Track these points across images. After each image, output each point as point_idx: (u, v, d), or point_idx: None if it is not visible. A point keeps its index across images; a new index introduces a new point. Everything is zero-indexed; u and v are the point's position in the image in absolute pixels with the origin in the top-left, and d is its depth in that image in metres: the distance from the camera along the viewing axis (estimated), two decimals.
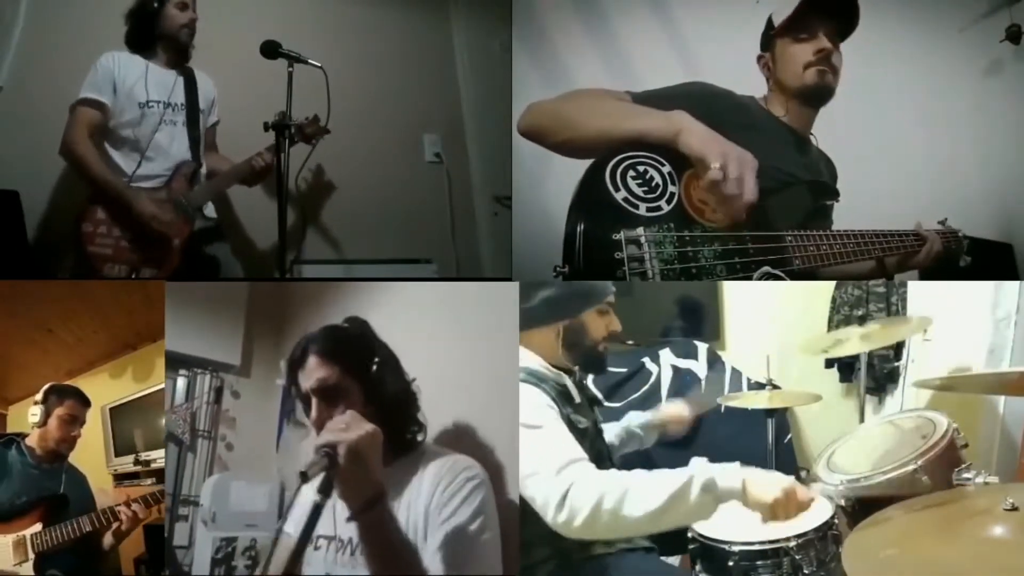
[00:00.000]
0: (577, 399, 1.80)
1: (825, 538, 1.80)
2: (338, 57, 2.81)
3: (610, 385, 2.93)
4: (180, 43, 2.59)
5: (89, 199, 2.50)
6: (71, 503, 2.27)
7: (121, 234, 2.49)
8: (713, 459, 1.62)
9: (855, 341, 2.46)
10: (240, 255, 2.90)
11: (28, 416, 2.36)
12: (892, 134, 2.53)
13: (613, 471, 1.62)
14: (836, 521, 1.84)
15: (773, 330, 3.05)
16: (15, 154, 2.60)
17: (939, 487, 1.74)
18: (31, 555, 2.18)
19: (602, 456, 1.83)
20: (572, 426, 1.71)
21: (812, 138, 2.29)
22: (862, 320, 2.63)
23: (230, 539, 2.24)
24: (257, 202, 2.90)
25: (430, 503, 1.58)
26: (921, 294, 2.75)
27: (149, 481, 2.73)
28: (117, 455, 2.92)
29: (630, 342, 3.05)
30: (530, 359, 1.78)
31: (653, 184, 1.99)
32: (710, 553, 1.82)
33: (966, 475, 1.72)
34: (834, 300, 3.00)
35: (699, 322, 3.17)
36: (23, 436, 2.34)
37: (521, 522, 1.68)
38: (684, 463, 1.97)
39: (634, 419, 2.15)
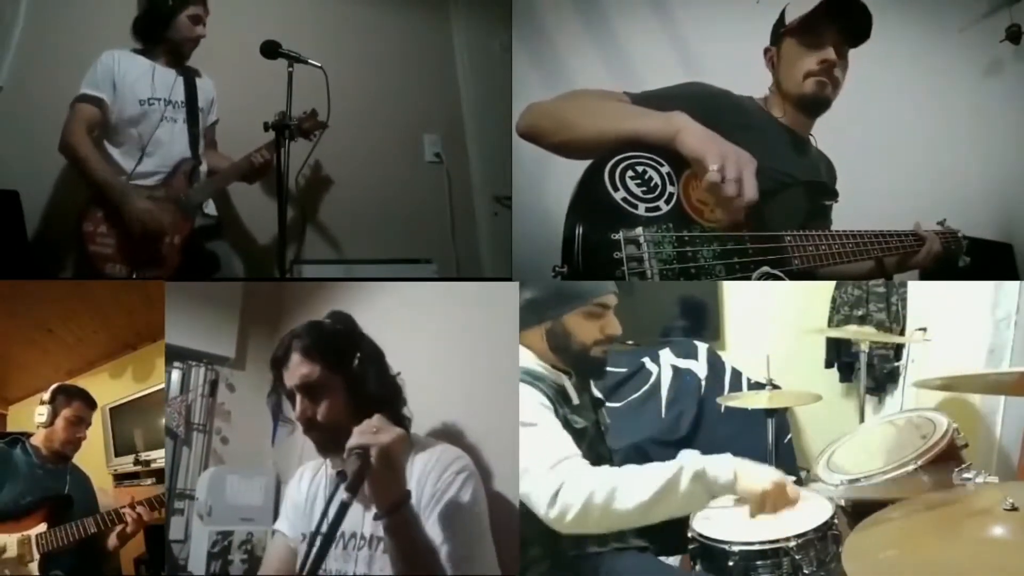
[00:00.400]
0: (575, 400, 1.78)
1: (825, 538, 1.80)
2: (338, 57, 2.82)
3: (610, 385, 2.94)
4: (183, 50, 2.60)
5: (90, 199, 2.50)
6: (75, 504, 2.27)
7: (122, 233, 2.49)
8: None
9: (853, 331, 2.46)
10: (240, 252, 2.90)
11: (35, 416, 2.35)
12: (892, 134, 2.53)
13: (604, 467, 1.61)
14: (836, 521, 1.84)
15: (773, 330, 3.06)
16: (15, 154, 2.60)
17: (939, 487, 1.74)
18: (36, 555, 2.18)
19: (603, 459, 1.82)
20: (568, 426, 1.71)
21: (811, 139, 2.29)
22: (862, 320, 2.63)
23: (226, 533, 2.24)
24: (257, 200, 2.90)
25: (421, 496, 1.60)
26: (921, 294, 2.76)
27: (149, 481, 2.73)
28: (117, 455, 2.91)
29: (630, 342, 3.06)
30: (528, 358, 1.78)
31: (652, 184, 1.99)
32: (710, 553, 1.82)
33: (966, 475, 1.72)
34: (834, 300, 3.00)
35: (699, 322, 3.18)
36: (28, 436, 2.34)
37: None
38: None
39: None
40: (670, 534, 1.88)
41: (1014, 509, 1.40)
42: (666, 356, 3.07)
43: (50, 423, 2.31)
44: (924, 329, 2.59)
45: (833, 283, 2.96)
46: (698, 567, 1.87)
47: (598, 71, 2.65)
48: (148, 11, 2.54)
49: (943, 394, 2.45)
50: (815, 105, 2.21)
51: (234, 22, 2.79)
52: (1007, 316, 2.48)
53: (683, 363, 3.06)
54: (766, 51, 2.27)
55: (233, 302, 2.50)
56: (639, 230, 1.94)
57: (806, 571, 1.76)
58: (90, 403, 2.38)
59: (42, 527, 2.20)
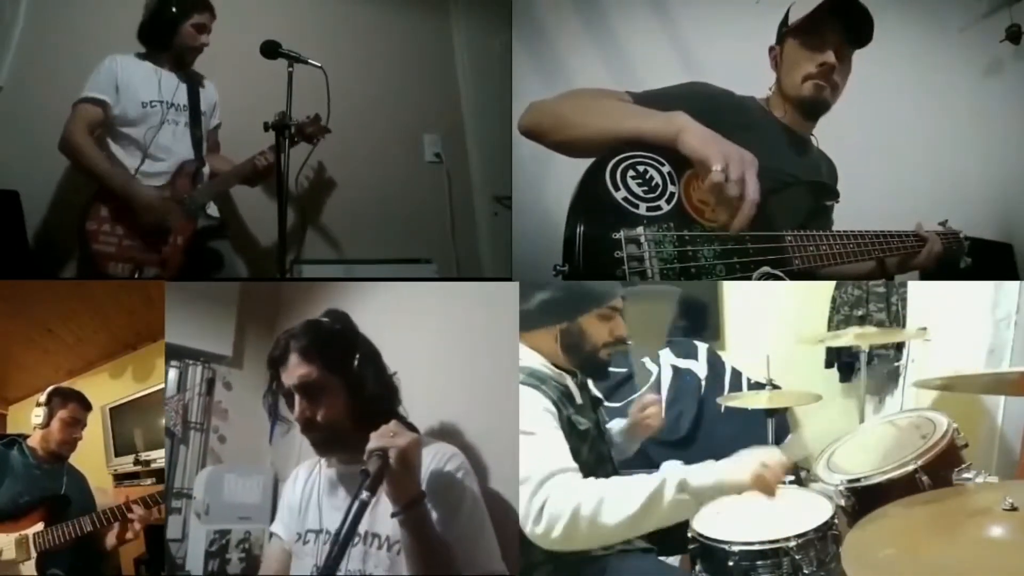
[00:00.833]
0: (579, 400, 1.79)
1: (825, 538, 1.80)
2: (338, 57, 2.82)
3: (610, 385, 2.94)
4: (186, 57, 2.61)
5: (94, 196, 2.50)
6: (72, 503, 2.28)
7: (125, 232, 2.50)
8: (713, 459, 1.62)
9: (851, 336, 2.47)
10: (242, 253, 2.91)
11: (31, 417, 2.36)
12: (892, 134, 2.53)
13: (590, 480, 1.60)
14: (836, 521, 1.84)
15: (773, 330, 3.06)
16: (15, 154, 2.61)
17: (939, 487, 1.74)
18: (33, 554, 2.19)
19: (603, 458, 1.82)
20: (573, 427, 1.71)
21: (812, 139, 2.29)
22: (862, 320, 2.63)
23: (224, 532, 2.24)
24: (258, 201, 2.90)
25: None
26: (921, 294, 2.75)
27: (149, 481, 2.73)
28: (117, 455, 2.91)
29: (630, 342, 3.05)
30: (532, 359, 1.78)
31: (653, 184, 1.99)
32: (710, 553, 1.82)
33: (966, 475, 1.73)
34: (834, 300, 3.00)
35: (700, 322, 3.17)
36: (24, 437, 2.35)
37: None
38: (684, 463, 1.96)
39: (614, 427, 2.09)
40: (670, 534, 1.88)
41: (1014, 509, 1.40)
42: (666, 356, 3.07)
43: (46, 424, 2.32)
44: (924, 329, 2.58)
45: (833, 283, 2.96)
46: (698, 567, 1.87)
47: (598, 71, 2.65)
48: (153, 18, 2.55)
49: (943, 393, 2.45)
50: (813, 108, 2.21)
51: (234, 23, 2.79)
52: (1007, 316, 2.48)
53: (683, 363, 3.06)
54: (771, 50, 2.27)
55: (230, 300, 2.50)
56: (640, 229, 1.94)
57: (806, 571, 1.75)
58: (85, 405, 2.39)
59: (39, 526, 2.20)
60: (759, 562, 1.77)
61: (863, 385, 2.67)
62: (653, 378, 3.03)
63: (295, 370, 1.67)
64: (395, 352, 1.80)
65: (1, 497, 2.23)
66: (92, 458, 2.68)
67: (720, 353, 3.12)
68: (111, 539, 2.21)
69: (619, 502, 1.52)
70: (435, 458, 1.67)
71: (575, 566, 1.70)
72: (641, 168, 2.00)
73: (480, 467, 1.82)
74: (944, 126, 2.66)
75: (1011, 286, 2.49)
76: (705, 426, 2.94)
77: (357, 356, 1.71)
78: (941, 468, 1.83)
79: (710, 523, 1.83)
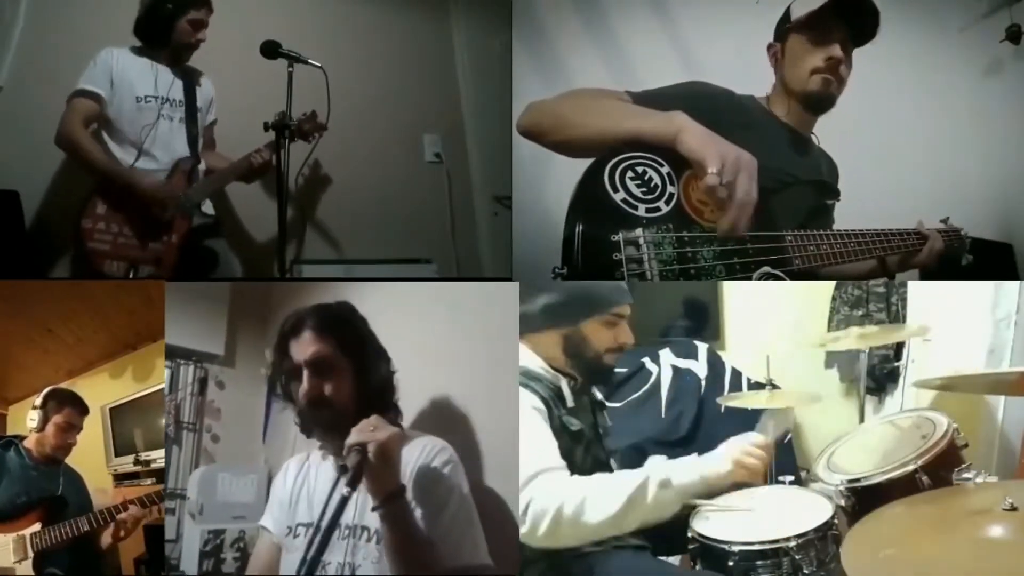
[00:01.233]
0: (571, 402, 1.77)
1: (825, 538, 1.79)
2: (338, 57, 2.82)
3: (610, 385, 2.93)
4: (182, 53, 2.60)
5: (90, 193, 2.49)
6: (70, 504, 2.28)
7: (120, 228, 2.49)
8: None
9: (853, 339, 2.46)
10: (238, 252, 2.90)
11: (27, 420, 2.35)
12: (892, 134, 2.53)
13: (574, 479, 1.60)
14: (836, 521, 1.84)
15: (773, 330, 3.05)
16: (15, 154, 2.61)
17: (939, 487, 1.74)
18: (30, 554, 2.19)
19: (601, 463, 1.81)
20: (564, 428, 1.71)
21: (813, 137, 2.28)
22: (862, 320, 2.63)
23: (218, 531, 2.24)
24: (256, 199, 2.90)
25: (413, 488, 1.62)
26: (921, 294, 2.75)
27: (149, 481, 2.73)
28: (117, 455, 2.91)
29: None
30: (530, 359, 1.77)
31: (652, 185, 1.99)
32: (710, 553, 1.82)
33: (966, 475, 1.72)
34: (834, 300, 3.00)
35: (699, 322, 3.17)
36: (21, 438, 2.34)
37: None
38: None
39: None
40: (670, 534, 1.88)
41: (1014, 509, 1.40)
42: (666, 356, 3.06)
43: (41, 428, 2.31)
44: (924, 329, 2.58)
45: (833, 283, 2.96)
46: (698, 567, 1.87)
47: (598, 71, 2.66)
48: (148, 13, 2.54)
49: (943, 393, 2.45)
50: (820, 102, 2.20)
51: (234, 22, 2.79)
52: (1007, 316, 2.48)
53: (683, 363, 3.05)
54: (770, 47, 2.26)
55: (222, 299, 2.50)
56: (639, 231, 1.93)
57: (806, 571, 1.75)
58: (82, 409, 2.37)
59: (36, 527, 2.20)
60: (759, 562, 1.77)
61: (863, 385, 2.67)
62: (653, 378, 3.03)
63: (308, 345, 1.67)
64: (395, 352, 1.80)
65: None
66: (92, 458, 2.68)
67: (720, 353, 3.11)
68: (106, 538, 2.21)
69: (602, 500, 1.52)
70: (423, 452, 1.67)
71: (569, 563, 1.70)
72: (640, 169, 1.99)
73: (479, 466, 1.82)
74: (944, 126, 2.66)
75: (1011, 286, 2.49)
76: (705, 426, 2.94)
77: (368, 344, 1.73)
78: (941, 468, 1.83)
79: (710, 523, 1.82)
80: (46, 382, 2.44)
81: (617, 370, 2.92)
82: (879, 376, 2.90)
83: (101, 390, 2.92)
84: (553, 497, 1.53)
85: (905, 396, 2.82)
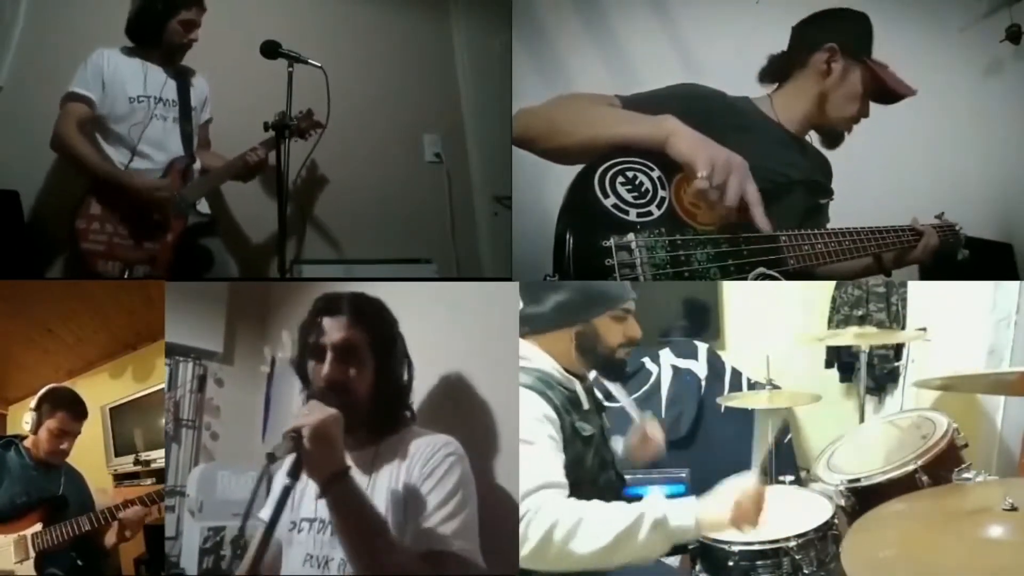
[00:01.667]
0: (585, 405, 1.77)
1: (825, 538, 1.80)
2: (338, 57, 2.82)
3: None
4: (175, 53, 2.59)
5: (85, 194, 2.49)
6: (71, 503, 2.27)
7: (115, 229, 2.49)
8: (713, 459, 1.61)
9: (852, 336, 2.47)
10: (235, 251, 2.89)
11: (22, 423, 2.35)
12: (892, 134, 2.53)
13: (570, 502, 1.55)
14: (836, 521, 1.84)
15: (773, 330, 3.06)
16: (15, 154, 2.60)
17: (939, 487, 1.74)
18: (32, 554, 2.18)
19: (606, 464, 1.80)
20: (576, 434, 1.69)
21: (807, 138, 2.29)
22: (862, 320, 2.63)
23: (217, 528, 2.23)
24: (253, 199, 2.89)
25: (411, 479, 1.61)
26: (921, 294, 2.76)
27: (149, 481, 2.73)
28: (117, 455, 2.92)
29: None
30: (543, 361, 1.76)
31: (643, 189, 1.98)
32: (710, 553, 1.82)
33: (966, 475, 1.73)
34: (834, 300, 3.00)
35: (700, 322, 3.18)
36: (21, 437, 2.34)
37: None
38: (685, 462, 1.96)
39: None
40: None
41: (1013, 509, 1.40)
42: (666, 356, 3.07)
43: (35, 431, 2.29)
44: (924, 329, 2.59)
45: (833, 283, 2.96)
46: (698, 567, 1.87)
47: (598, 71, 2.65)
48: (139, 14, 2.53)
49: (943, 393, 2.45)
50: (836, 139, 2.25)
51: (234, 22, 2.79)
52: (1007, 316, 2.48)
53: (683, 363, 3.06)
54: (832, 50, 2.20)
55: (221, 298, 2.50)
56: (630, 236, 1.93)
57: (806, 571, 1.76)
58: (77, 413, 2.32)
59: (38, 527, 2.20)
60: (759, 562, 1.77)
61: (863, 385, 2.67)
62: (653, 378, 3.03)
63: (341, 329, 1.63)
64: None
65: None
66: (92, 458, 2.68)
67: (720, 353, 3.12)
68: (111, 538, 2.21)
69: (593, 531, 1.48)
70: (430, 445, 1.64)
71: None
72: (630, 174, 1.99)
73: (480, 467, 1.81)
74: (944, 126, 2.66)
75: (1011, 286, 2.49)
76: (705, 426, 2.94)
77: (396, 345, 1.71)
78: (941, 468, 1.83)
79: None
80: (46, 382, 2.41)
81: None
82: (879, 376, 2.90)
83: (101, 390, 2.92)
84: (547, 518, 1.49)
85: (905, 396, 2.82)
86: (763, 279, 1.98)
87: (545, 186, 2.48)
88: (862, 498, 1.89)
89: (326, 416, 1.46)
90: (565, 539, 1.47)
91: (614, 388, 1.91)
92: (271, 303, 2.51)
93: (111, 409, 2.91)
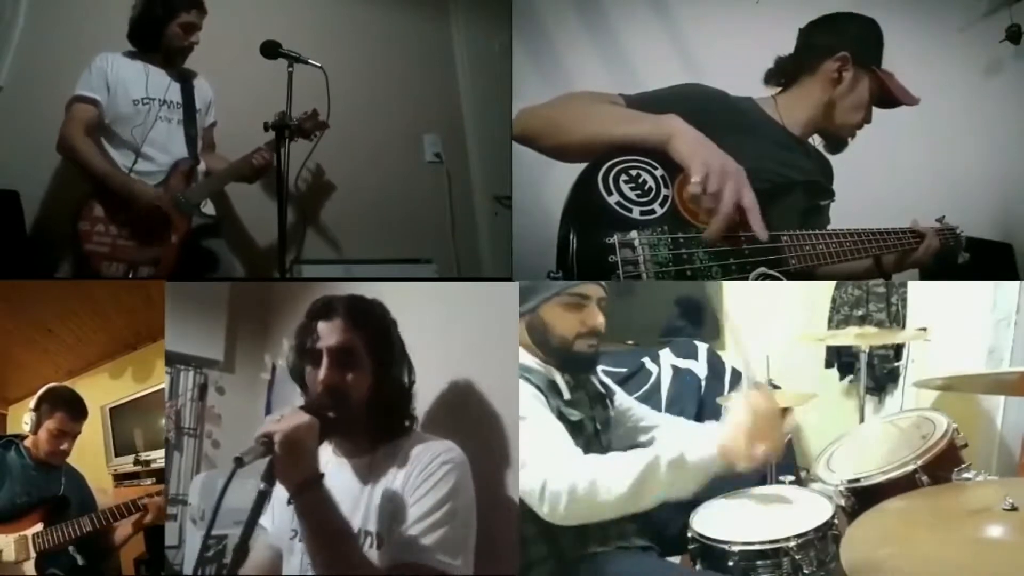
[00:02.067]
0: (567, 395, 1.76)
1: (825, 538, 1.79)
2: (338, 57, 2.82)
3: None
4: (176, 56, 2.60)
5: (88, 195, 2.50)
6: (71, 504, 2.27)
7: (119, 231, 2.50)
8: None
9: (852, 336, 2.47)
10: (239, 253, 2.90)
11: (21, 423, 2.35)
12: (892, 134, 2.53)
13: (585, 457, 1.58)
14: (836, 521, 1.84)
15: (773, 330, 3.05)
16: (15, 154, 2.61)
17: (939, 487, 1.74)
18: (32, 554, 2.18)
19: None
20: (564, 419, 1.70)
21: (811, 140, 2.29)
22: (862, 320, 2.63)
23: (220, 537, 2.23)
24: (256, 200, 2.90)
25: (405, 484, 1.58)
26: (921, 294, 2.76)
27: (149, 481, 2.72)
28: (117, 455, 2.91)
29: (630, 342, 3.06)
30: (522, 355, 1.77)
31: (646, 188, 1.99)
32: (710, 553, 1.82)
33: (966, 475, 1.73)
34: (834, 300, 3.00)
35: (700, 322, 3.17)
36: (22, 437, 2.34)
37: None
38: None
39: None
40: (669, 533, 1.88)
41: (1013, 509, 1.40)
42: (666, 356, 3.06)
43: (34, 431, 2.29)
44: (924, 329, 2.58)
45: (833, 283, 2.96)
46: (698, 567, 1.87)
47: (598, 71, 2.66)
48: (140, 17, 2.54)
49: (943, 393, 2.45)
50: (839, 145, 2.26)
51: (234, 22, 2.79)
52: (1007, 316, 2.48)
53: (683, 363, 3.05)
54: (844, 58, 2.22)
55: (221, 303, 2.49)
56: (633, 234, 1.94)
57: (806, 571, 1.75)
58: (76, 413, 2.31)
59: (38, 527, 2.20)
60: (759, 562, 1.77)
61: (863, 385, 2.67)
62: (653, 378, 3.03)
63: (337, 332, 1.59)
64: None
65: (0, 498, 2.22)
66: (92, 458, 2.68)
67: (720, 353, 3.12)
68: (125, 530, 2.19)
69: (611, 481, 1.50)
70: (428, 451, 1.62)
71: (575, 564, 1.70)
72: (634, 172, 2.00)
73: (480, 467, 1.81)
74: (944, 126, 2.66)
75: (1011, 286, 2.49)
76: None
77: (395, 348, 1.68)
78: (941, 468, 1.83)
79: (710, 523, 1.83)
80: (46, 382, 2.41)
81: (617, 370, 2.97)
82: (879, 376, 2.90)
83: (101, 390, 2.92)
84: (565, 477, 1.51)
85: (905, 396, 2.82)
86: (764, 279, 1.99)
87: (545, 186, 2.48)
88: (862, 498, 1.89)
89: (299, 423, 1.45)
90: (589, 494, 1.50)
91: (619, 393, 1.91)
92: (272, 308, 2.51)
93: (111, 409, 2.91)
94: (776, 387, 2.60)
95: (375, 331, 1.65)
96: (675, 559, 1.99)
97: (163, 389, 2.46)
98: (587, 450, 1.73)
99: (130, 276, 2.49)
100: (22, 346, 2.85)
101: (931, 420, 2.03)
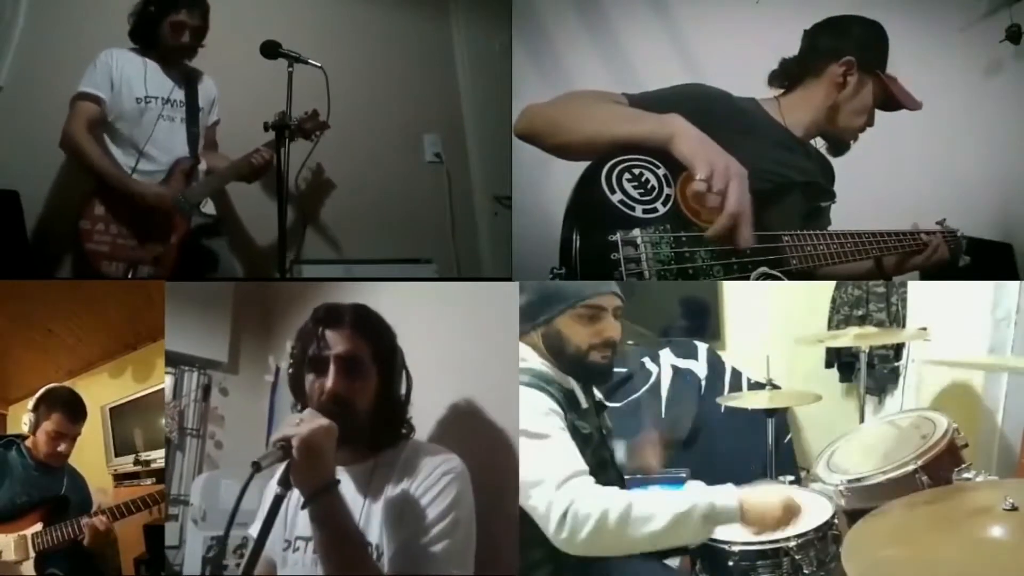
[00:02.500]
0: (584, 404, 1.76)
1: (825, 538, 1.80)
2: (338, 57, 2.82)
3: (610, 385, 2.93)
4: (173, 55, 2.59)
5: (90, 193, 2.50)
6: (71, 504, 2.27)
7: (119, 230, 2.50)
8: (714, 459, 1.61)
9: (852, 337, 2.47)
10: (239, 252, 2.90)
11: (21, 423, 2.35)
12: (892, 135, 2.53)
13: (613, 488, 1.58)
14: (836, 521, 1.84)
15: (773, 330, 3.06)
16: (16, 154, 2.61)
17: (939, 487, 1.74)
18: (32, 554, 2.18)
19: (605, 464, 1.80)
20: (576, 432, 1.68)
21: (813, 143, 2.29)
22: (862, 320, 2.63)
23: (220, 538, 2.23)
24: (256, 199, 2.90)
25: (406, 496, 1.58)
26: (921, 294, 2.76)
27: (149, 481, 2.72)
28: (117, 455, 2.91)
29: (630, 342, 3.06)
30: (535, 360, 1.75)
31: (649, 186, 2.00)
32: (710, 553, 1.82)
33: (966, 475, 1.73)
34: (834, 300, 3.00)
35: (700, 322, 3.17)
36: (23, 437, 2.34)
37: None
38: (685, 462, 1.95)
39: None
40: None
41: (1014, 509, 1.40)
42: (666, 356, 3.07)
43: (33, 432, 2.29)
44: (924, 329, 2.59)
45: (833, 283, 2.96)
46: (698, 567, 1.87)
47: (598, 71, 2.66)
48: (138, 16, 2.54)
49: (943, 393, 2.46)
50: (841, 148, 2.26)
51: (234, 22, 2.79)
52: (1007, 316, 2.48)
53: (683, 363, 3.06)
54: (849, 63, 2.22)
55: (225, 304, 2.49)
56: (636, 232, 1.94)
57: (806, 571, 1.76)
58: (74, 414, 2.31)
59: (38, 527, 2.20)
60: (759, 562, 1.77)
61: (863, 385, 2.67)
62: (653, 378, 3.03)
63: (344, 341, 1.58)
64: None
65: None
66: (92, 458, 2.68)
67: (720, 353, 3.12)
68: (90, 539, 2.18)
69: (647, 516, 1.50)
70: (428, 461, 1.62)
71: (574, 567, 1.69)
72: (636, 171, 2.00)
73: (480, 469, 1.81)
74: (944, 126, 2.66)
75: (1011, 286, 2.49)
76: (705, 426, 2.94)
77: (396, 357, 1.68)
78: (941, 468, 1.83)
79: None
80: (46, 382, 2.41)
81: (617, 370, 2.96)
82: (879, 376, 2.90)
83: (101, 390, 2.92)
84: (598, 503, 1.50)
85: (905, 396, 2.82)
86: (765, 279, 1.99)
87: (545, 186, 2.49)
88: (862, 498, 1.89)
89: (318, 427, 1.43)
90: (620, 525, 1.48)
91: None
92: (274, 308, 2.51)
93: (111, 409, 2.91)
94: (776, 387, 2.60)
95: (380, 341, 1.65)
96: (674, 561, 1.99)
97: (163, 389, 2.46)
98: (593, 460, 1.72)
99: (130, 275, 2.49)
100: (22, 346, 2.85)
101: (931, 420, 2.03)
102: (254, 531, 1.72)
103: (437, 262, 3.10)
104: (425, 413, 1.84)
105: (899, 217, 2.25)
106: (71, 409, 2.31)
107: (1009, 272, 2.57)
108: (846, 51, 2.21)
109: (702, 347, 3.08)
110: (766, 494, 1.57)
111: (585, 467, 1.60)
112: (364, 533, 1.56)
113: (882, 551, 1.45)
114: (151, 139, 2.53)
